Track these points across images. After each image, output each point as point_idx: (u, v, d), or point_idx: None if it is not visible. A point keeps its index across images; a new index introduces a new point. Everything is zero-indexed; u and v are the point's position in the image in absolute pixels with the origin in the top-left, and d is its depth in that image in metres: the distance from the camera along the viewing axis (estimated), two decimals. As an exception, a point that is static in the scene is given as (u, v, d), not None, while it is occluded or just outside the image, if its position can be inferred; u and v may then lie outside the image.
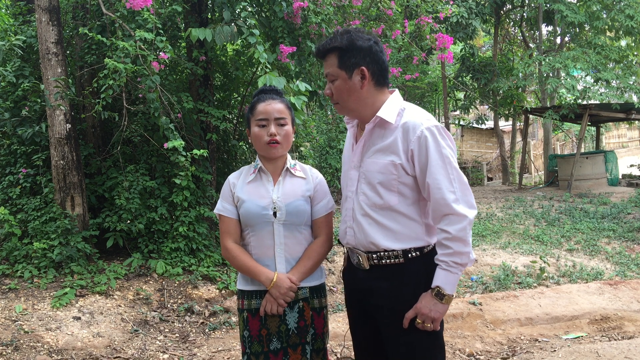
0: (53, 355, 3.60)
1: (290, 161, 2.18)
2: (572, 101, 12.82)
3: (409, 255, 1.89)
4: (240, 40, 5.05)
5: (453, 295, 1.83)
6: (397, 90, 2.01)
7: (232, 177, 2.18)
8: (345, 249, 2.12)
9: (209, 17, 6.00)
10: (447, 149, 1.83)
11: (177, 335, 4.25)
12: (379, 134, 1.93)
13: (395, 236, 1.90)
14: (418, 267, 1.89)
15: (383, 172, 1.89)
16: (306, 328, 2.10)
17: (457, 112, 18.99)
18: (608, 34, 14.78)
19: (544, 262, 6.07)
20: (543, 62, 12.90)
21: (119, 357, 3.74)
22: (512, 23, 18.37)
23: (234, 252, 2.09)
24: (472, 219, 1.81)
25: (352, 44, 1.88)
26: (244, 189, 2.11)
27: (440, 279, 1.82)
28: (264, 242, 2.08)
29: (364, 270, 1.97)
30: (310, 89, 4.70)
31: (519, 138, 20.11)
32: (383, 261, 1.92)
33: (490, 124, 21.90)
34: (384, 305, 1.93)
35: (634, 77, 14.11)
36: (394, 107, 1.92)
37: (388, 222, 1.90)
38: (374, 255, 1.93)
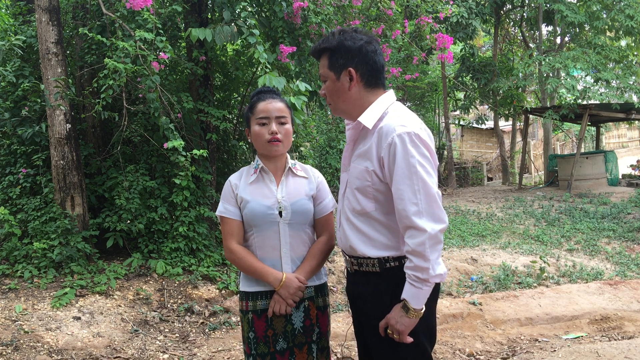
0: (53, 355, 3.60)
1: (290, 161, 2.18)
2: (572, 101, 12.83)
3: (387, 264, 1.85)
4: (240, 40, 5.05)
5: (420, 310, 1.74)
6: (390, 90, 1.97)
7: (233, 178, 2.15)
8: None
9: (209, 17, 6.00)
10: (417, 157, 1.73)
11: (177, 335, 4.25)
12: (362, 138, 1.91)
13: (372, 243, 1.86)
14: (395, 277, 1.83)
15: (359, 178, 1.86)
16: (312, 327, 2.10)
17: (457, 112, 19.00)
18: (608, 34, 14.79)
19: (544, 262, 6.07)
20: (543, 62, 12.91)
21: (119, 357, 3.74)
22: (512, 23, 18.37)
23: (239, 253, 2.07)
24: (434, 234, 1.70)
25: (341, 44, 1.85)
26: (246, 190, 2.09)
27: (406, 291, 1.75)
28: (269, 242, 2.07)
29: (351, 273, 1.98)
30: (310, 89, 4.70)
31: (519, 138, 20.12)
32: (362, 267, 1.90)
33: (490, 124, 21.90)
34: (366, 311, 1.92)
35: (634, 77, 14.11)
36: (377, 110, 1.87)
37: (365, 228, 1.87)
38: (355, 261, 1.92)
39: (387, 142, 1.77)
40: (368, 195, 1.85)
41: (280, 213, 2.06)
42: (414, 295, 1.73)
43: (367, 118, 1.86)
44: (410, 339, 1.78)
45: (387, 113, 1.87)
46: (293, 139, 2.25)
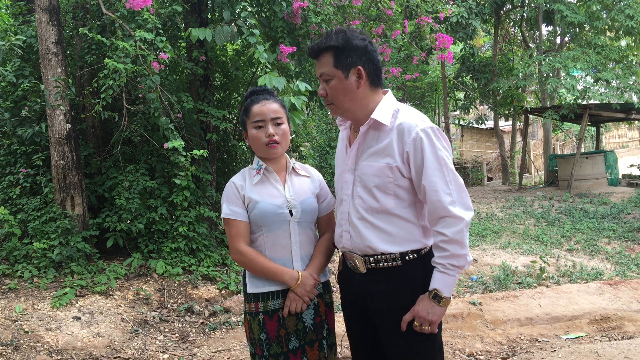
0: (53, 355, 3.60)
1: (290, 160, 2.19)
2: (572, 101, 12.83)
3: (407, 257, 1.88)
4: (240, 40, 5.05)
5: (450, 298, 1.81)
6: (390, 90, 1.98)
7: (236, 180, 2.13)
8: (340, 253, 2.10)
9: (209, 17, 6.00)
10: (443, 150, 1.81)
11: (177, 335, 4.25)
12: (373, 136, 1.91)
13: (393, 239, 1.87)
14: (416, 270, 1.87)
15: (379, 175, 1.86)
16: (322, 323, 2.12)
17: (457, 112, 18.99)
18: (608, 34, 14.78)
19: (544, 262, 6.07)
20: (543, 62, 12.90)
21: (119, 357, 3.74)
22: (512, 23, 18.36)
23: (251, 255, 2.04)
24: (468, 221, 1.78)
25: (348, 43, 1.85)
26: (253, 190, 2.08)
27: (437, 281, 1.80)
28: (280, 241, 2.06)
29: (361, 274, 1.96)
30: (310, 89, 4.70)
31: (519, 138, 20.11)
32: (380, 264, 1.90)
33: (490, 124, 21.90)
34: (382, 309, 1.91)
35: (634, 77, 14.11)
36: (388, 108, 1.89)
37: (385, 226, 1.88)
38: (371, 259, 1.91)
39: (411, 137, 1.81)
40: (388, 192, 1.86)
41: (290, 212, 2.06)
42: (447, 284, 1.80)
43: (383, 115, 1.87)
44: (436, 329, 1.84)
45: (399, 110, 1.90)
46: (292, 138, 2.25)
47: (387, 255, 1.88)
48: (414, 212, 1.89)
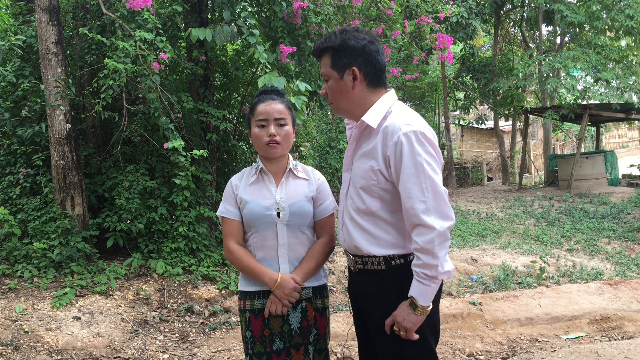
0: (53, 355, 3.60)
1: (291, 162, 2.18)
2: (572, 101, 12.83)
3: (392, 262, 1.86)
4: (240, 40, 5.05)
5: (427, 307, 1.76)
6: (392, 90, 1.97)
7: (234, 179, 2.18)
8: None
9: (209, 17, 6.00)
10: (424, 155, 1.74)
11: (177, 335, 4.25)
12: (365, 137, 1.91)
13: (377, 242, 1.86)
14: (401, 275, 1.84)
15: (364, 177, 1.86)
16: (309, 328, 2.10)
17: (457, 112, 18.99)
18: (608, 34, 14.79)
19: (544, 262, 6.08)
20: (543, 62, 12.91)
21: (119, 357, 3.74)
22: (512, 23, 18.37)
23: (237, 253, 2.09)
24: (442, 231, 1.71)
25: (344, 43, 1.85)
26: (246, 190, 2.11)
27: (413, 289, 1.76)
28: (268, 242, 2.09)
29: (355, 273, 1.98)
30: (310, 89, 4.70)
31: (519, 138, 20.12)
32: (367, 266, 1.90)
33: (490, 124, 21.90)
34: (373, 310, 1.91)
35: (634, 77, 14.11)
36: (380, 109, 1.87)
37: (370, 227, 1.87)
38: (359, 260, 1.92)
39: (393, 140, 1.78)
40: (373, 194, 1.85)
41: (278, 214, 2.07)
42: (421, 293, 1.75)
43: (371, 117, 1.86)
44: (416, 336, 1.80)
45: (391, 112, 1.87)
46: (294, 139, 2.24)
47: (373, 259, 1.87)
48: (400, 217, 1.84)
